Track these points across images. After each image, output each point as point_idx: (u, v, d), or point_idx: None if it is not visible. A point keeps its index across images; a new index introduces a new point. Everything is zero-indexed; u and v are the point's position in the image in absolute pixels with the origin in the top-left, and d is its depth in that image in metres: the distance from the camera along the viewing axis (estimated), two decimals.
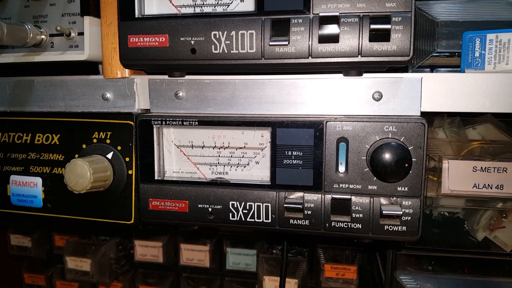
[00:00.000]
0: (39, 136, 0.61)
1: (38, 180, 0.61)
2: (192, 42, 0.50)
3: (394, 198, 0.50)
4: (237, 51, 0.49)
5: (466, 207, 0.69)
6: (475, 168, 0.64)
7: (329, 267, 0.94)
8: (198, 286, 1.07)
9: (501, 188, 0.64)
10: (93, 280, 1.02)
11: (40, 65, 0.63)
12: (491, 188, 0.64)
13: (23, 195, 0.62)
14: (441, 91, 0.50)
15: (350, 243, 0.97)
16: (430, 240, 0.73)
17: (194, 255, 1.04)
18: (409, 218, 0.49)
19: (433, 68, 0.67)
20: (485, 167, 0.63)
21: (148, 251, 1.06)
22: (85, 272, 1.02)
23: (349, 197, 0.49)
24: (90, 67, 0.63)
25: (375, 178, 0.49)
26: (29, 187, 0.62)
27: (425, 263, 0.78)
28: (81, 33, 0.57)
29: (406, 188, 0.49)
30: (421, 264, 0.78)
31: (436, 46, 0.62)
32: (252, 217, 0.53)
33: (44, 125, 0.61)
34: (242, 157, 0.55)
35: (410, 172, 0.48)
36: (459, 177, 0.64)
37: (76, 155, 0.59)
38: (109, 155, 0.57)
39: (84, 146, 0.59)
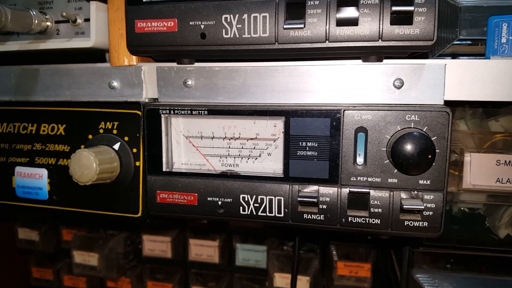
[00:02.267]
0: (44, 127, 0.59)
1: (44, 172, 0.60)
2: (202, 26, 0.47)
3: (415, 192, 0.47)
4: (249, 36, 0.47)
5: (488, 202, 0.66)
6: (498, 161, 0.61)
7: (342, 264, 0.91)
8: (207, 282, 1.05)
9: None
10: (100, 275, 1.01)
11: (47, 55, 0.61)
12: None
13: (28, 187, 0.61)
14: (466, 79, 0.47)
15: (363, 240, 0.94)
16: (449, 237, 0.70)
17: (203, 250, 1.03)
18: (431, 213, 0.46)
19: (454, 57, 0.64)
20: (509, 161, 0.60)
21: (156, 246, 1.05)
22: (92, 266, 1.01)
23: (368, 190, 0.46)
24: (97, 56, 0.61)
25: (395, 170, 0.46)
26: (34, 178, 0.60)
27: (443, 261, 0.75)
28: (87, 20, 0.55)
29: (428, 181, 0.46)
30: (439, 262, 0.75)
31: (458, 33, 0.59)
32: (264, 211, 0.51)
33: (49, 115, 0.59)
34: (254, 148, 0.52)
35: (433, 164, 0.45)
36: (482, 171, 0.61)
37: (82, 146, 0.57)
38: (116, 146, 0.55)
39: (90, 136, 0.57)
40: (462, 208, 0.69)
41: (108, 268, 1.01)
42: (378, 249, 0.93)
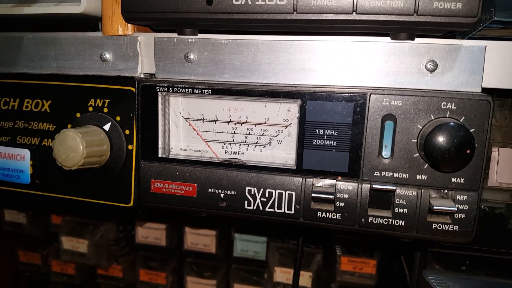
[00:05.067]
0: (27, 102, 0.53)
1: (26, 153, 0.54)
2: None
3: (446, 191, 0.41)
4: (263, 3, 0.40)
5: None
6: None
7: (346, 259, 0.86)
8: (203, 272, 1.00)
9: None
10: (90, 262, 0.96)
11: (31, 21, 0.54)
12: None
13: (9, 169, 0.55)
14: (508, 64, 0.41)
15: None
16: None
17: (200, 239, 0.98)
18: (463, 215, 0.41)
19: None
20: None
21: (150, 233, 1.00)
22: (81, 253, 0.96)
23: (393, 187, 0.41)
24: (90, 25, 0.54)
25: (426, 165, 0.40)
26: (15, 160, 0.54)
27: (458, 262, 0.70)
28: None
29: (462, 180, 0.40)
30: (453, 263, 0.70)
31: (493, 14, 0.53)
32: (272, 206, 0.45)
33: (33, 89, 0.53)
34: (262, 134, 0.46)
35: (471, 159, 0.39)
36: (509, 168, 0.56)
37: (69, 125, 0.51)
38: (106, 127, 0.49)
39: (78, 115, 0.51)
40: (482, 207, 0.63)
41: (98, 256, 0.95)
42: (385, 245, 0.88)
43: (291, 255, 0.86)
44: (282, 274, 0.84)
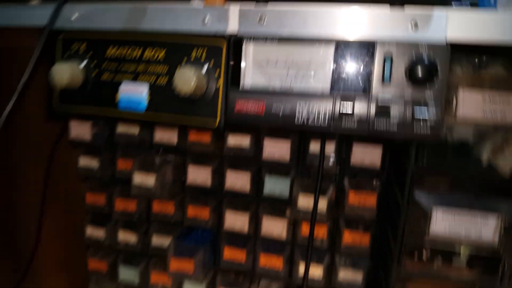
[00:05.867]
0: (148, 51, 0.76)
1: (145, 87, 0.77)
2: None
3: (423, 106, 0.66)
4: None
5: (476, 134, 0.86)
6: (485, 98, 0.80)
7: (353, 192, 1.11)
8: (238, 208, 1.24)
9: (506, 117, 0.81)
10: (156, 195, 1.21)
11: None
12: (497, 117, 0.81)
13: (130, 99, 0.78)
14: (463, 25, 0.64)
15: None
16: (444, 163, 0.89)
17: (238, 180, 1.21)
18: (433, 123, 0.66)
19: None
20: (493, 98, 0.80)
21: (199, 175, 1.24)
22: (149, 188, 1.20)
23: (389, 104, 0.66)
24: None
25: (410, 86, 0.65)
26: (136, 93, 0.77)
27: (439, 183, 0.94)
28: None
29: (432, 98, 0.66)
30: (436, 184, 0.94)
31: None
32: (313, 121, 0.69)
33: (153, 41, 0.76)
34: (307, 70, 0.70)
35: (437, 83, 0.64)
36: (472, 105, 0.81)
37: (178, 67, 0.75)
38: (204, 68, 0.73)
39: (184, 60, 0.75)
40: (455, 138, 0.88)
41: (162, 190, 1.20)
42: (382, 183, 1.13)
43: (310, 186, 1.12)
44: (304, 199, 1.10)
